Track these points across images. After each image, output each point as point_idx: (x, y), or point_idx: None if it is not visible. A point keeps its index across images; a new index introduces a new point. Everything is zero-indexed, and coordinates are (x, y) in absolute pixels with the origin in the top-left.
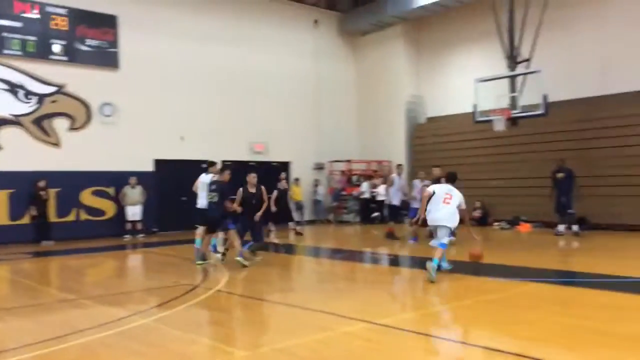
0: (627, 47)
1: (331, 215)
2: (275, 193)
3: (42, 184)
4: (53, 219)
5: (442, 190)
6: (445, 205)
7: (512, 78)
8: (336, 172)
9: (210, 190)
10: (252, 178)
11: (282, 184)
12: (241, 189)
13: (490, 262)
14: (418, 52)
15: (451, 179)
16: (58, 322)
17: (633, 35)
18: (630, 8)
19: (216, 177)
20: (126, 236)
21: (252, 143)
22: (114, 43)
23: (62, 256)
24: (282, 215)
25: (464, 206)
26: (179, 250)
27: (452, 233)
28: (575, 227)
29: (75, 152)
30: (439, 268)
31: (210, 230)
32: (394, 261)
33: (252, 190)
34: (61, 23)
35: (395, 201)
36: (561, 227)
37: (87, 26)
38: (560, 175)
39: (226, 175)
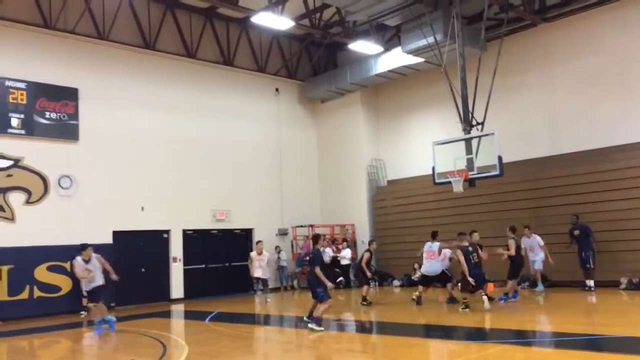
0: (573, 110)
1: (295, 281)
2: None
3: None
4: (3, 297)
5: None
6: None
7: (468, 140)
8: (300, 237)
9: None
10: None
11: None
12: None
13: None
14: (377, 117)
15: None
16: None
17: (578, 99)
18: (575, 74)
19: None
20: (82, 313)
21: (214, 211)
22: (74, 115)
23: (12, 337)
24: None
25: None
26: (136, 325)
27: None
28: (590, 283)
29: (31, 226)
30: None
31: None
32: (367, 329)
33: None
34: (20, 97)
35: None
36: (589, 282)
37: (47, 99)
38: (576, 232)
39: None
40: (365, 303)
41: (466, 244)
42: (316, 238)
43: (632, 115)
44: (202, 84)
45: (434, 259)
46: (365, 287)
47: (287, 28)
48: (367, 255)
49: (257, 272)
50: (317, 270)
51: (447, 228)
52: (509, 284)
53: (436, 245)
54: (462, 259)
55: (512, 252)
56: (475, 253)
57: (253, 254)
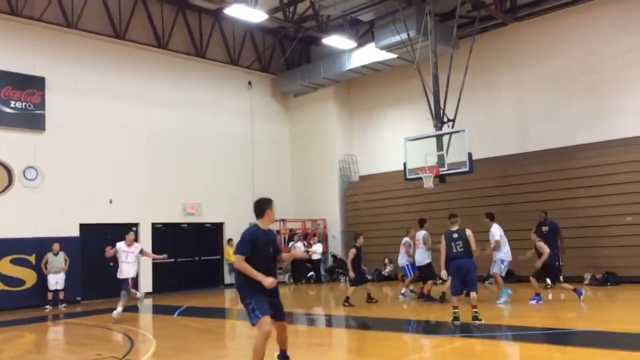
0: (541, 109)
1: None
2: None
3: None
4: None
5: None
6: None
7: (439, 137)
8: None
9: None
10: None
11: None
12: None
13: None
14: (350, 112)
15: None
16: None
17: (546, 98)
18: (544, 74)
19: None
20: (47, 307)
21: (184, 204)
22: (40, 105)
23: None
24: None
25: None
26: (103, 319)
27: None
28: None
29: None
30: None
31: None
32: (338, 323)
33: None
34: None
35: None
36: (548, 280)
37: (12, 88)
38: (545, 228)
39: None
40: (347, 304)
41: (454, 228)
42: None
43: (598, 115)
44: (174, 76)
45: (419, 247)
46: (351, 288)
47: (260, 21)
48: (353, 251)
49: (125, 271)
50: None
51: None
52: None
53: (421, 233)
54: (443, 244)
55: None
56: (461, 241)
57: (120, 244)
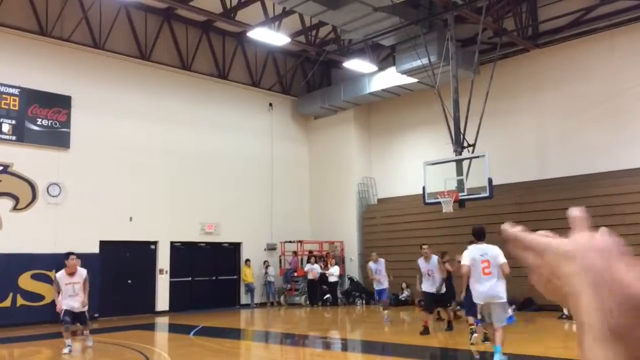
0: (561, 135)
1: (282, 297)
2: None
3: None
4: None
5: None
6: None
7: (459, 162)
8: (288, 253)
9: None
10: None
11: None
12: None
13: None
14: (369, 135)
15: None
16: None
17: (566, 124)
18: (564, 100)
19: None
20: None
21: (203, 223)
22: (66, 123)
23: None
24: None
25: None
26: (121, 336)
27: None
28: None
29: (17, 233)
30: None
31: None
32: (345, 346)
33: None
34: (12, 102)
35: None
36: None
37: (39, 106)
38: None
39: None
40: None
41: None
42: None
43: (619, 142)
44: (196, 97)
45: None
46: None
47: (283, 44)
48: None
49: (69, 302)
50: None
51: (436, 248)
52: None
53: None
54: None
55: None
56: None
57: (60, 275)
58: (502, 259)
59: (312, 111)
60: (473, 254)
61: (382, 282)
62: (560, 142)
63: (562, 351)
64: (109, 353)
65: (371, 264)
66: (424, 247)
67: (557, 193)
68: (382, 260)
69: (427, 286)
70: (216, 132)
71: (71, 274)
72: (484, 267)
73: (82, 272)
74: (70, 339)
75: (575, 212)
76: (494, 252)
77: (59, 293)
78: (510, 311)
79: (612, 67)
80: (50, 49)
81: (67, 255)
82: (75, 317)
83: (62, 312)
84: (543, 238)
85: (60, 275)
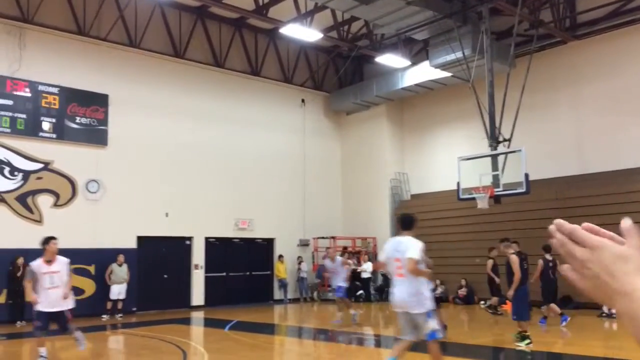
0: (601, 129)
1: (315, 293)
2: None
3: (19, 261)
4: (29, 298)
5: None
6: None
7: (494, 157)
8: (321, 249)
9: None
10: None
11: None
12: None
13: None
14: (402, 131)
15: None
16: None
17: (606, 118)
18: (603, 93)
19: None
20: (104, 316)
21: (237, 219)
22: (104, 121)
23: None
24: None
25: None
26: (158, 330)
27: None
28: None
29: (58, 229)
30: None
31: None
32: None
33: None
34: (52, 101)
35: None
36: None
37: (78, 104)
38: None
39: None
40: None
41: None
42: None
43: None
44: (229, 93)
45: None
46: (493, 298)
47: (315, 40)
48: (490, 262)
49: (46, 296)
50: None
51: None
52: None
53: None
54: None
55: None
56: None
57: (36, 263)
58: (410, 254)
59: (344, 107)
60: (387, 249)
61: (337, 278)
62: (600, 136)
63: (603, 350)
64: (148, 346)
65: (327, 262)
66: (329, 249)
67: (596, 188)
68: (339, 259)
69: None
70: (249, 128)
71: (49, 261)
72: (396, 266)
73: (63, 260)
74: (44, 347)
75: (628, 223)
76: (405, 247)
77: (33, 285)
78: (432, 322)
79: None
80: (88, 48)
81: (47, 240)
82: (53, 318)
83: (36, 313)
84: (597, 237)
85: (37, 264)
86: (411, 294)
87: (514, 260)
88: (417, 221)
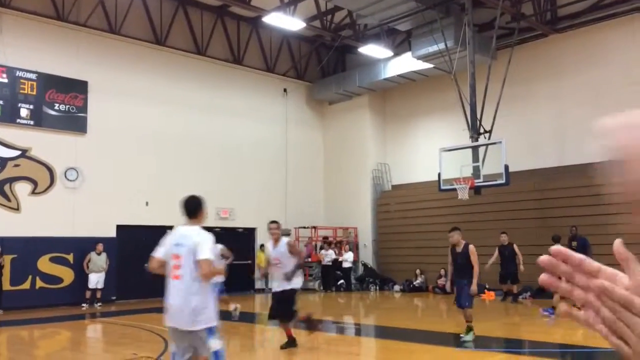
0: (580, 122)
1: None
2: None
3: None
4: (6, 287)
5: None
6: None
7: (475, 148)
8: (303, 239)
9: None
10: None
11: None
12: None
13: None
14: (384, 121)
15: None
16: None
17: (585, 110)
18: (583, 86)
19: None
20: (84, 305)
21: (218, 209)
22: (83, 108)
23: (13, 327)
24: None
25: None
26: (138, 319)
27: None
28: None
29: (35, 217)
30: None
31: None
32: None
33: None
34: (30, 87)
35: None
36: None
37: (56, 91)
38: (574, 244)
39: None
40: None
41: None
42: None
43: None
44: (211, 82)
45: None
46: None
47: (298, 29)
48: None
49: None
50: None
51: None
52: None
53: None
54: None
55: None
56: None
57: None
58: (203, 254)
59: (326, 97)
60: (167, 243)
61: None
62: (579, 129)
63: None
64: (128, 335)
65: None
66: (272, 225)
67: (575, 180)
68: (284, 241)
69: (275, 283)
70: (231, 117)
71: None
72: (173, 265)
73: None
74: None
75: (622, 249)
76: (192, 243)
77: None
78: (214, 342)
79: (633, 52)
80: (67, 34)
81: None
82: None
83: None
84: (623, 291)
85: None
86: (189, 303)
87: (474, 250)
88: (205, 206)
